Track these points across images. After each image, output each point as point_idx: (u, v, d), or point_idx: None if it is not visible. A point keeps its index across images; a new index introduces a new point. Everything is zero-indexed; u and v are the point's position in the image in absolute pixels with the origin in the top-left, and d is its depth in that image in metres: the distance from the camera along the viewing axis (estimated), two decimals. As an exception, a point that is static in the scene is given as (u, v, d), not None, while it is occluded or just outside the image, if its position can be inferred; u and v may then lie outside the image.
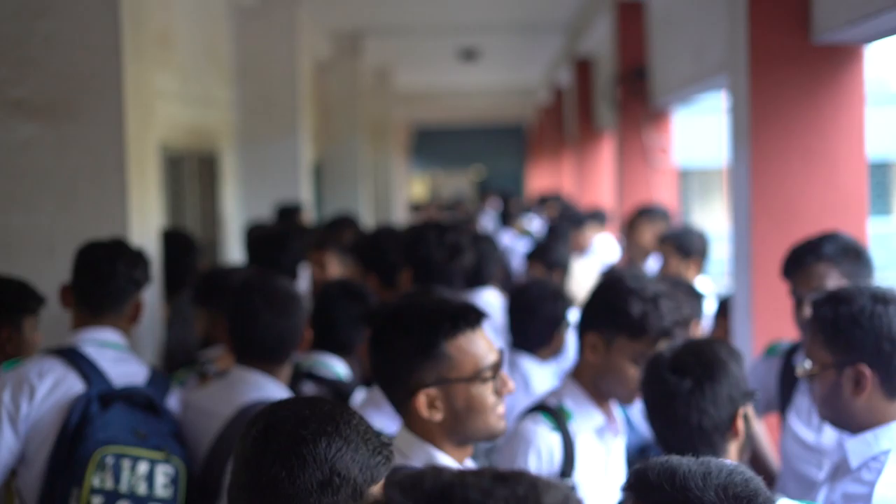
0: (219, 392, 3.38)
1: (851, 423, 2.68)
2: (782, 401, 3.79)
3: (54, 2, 4.71)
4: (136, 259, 3.47)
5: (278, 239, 5.35)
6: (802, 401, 3.68)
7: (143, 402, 3.17)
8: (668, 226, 6.93)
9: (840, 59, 4.68)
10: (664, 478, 1.72)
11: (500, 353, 2.48)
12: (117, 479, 3.03)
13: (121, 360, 3.30)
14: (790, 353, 3.79)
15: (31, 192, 4.76)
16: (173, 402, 3.34)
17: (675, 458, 1.77)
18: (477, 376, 2.40)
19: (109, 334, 3.33)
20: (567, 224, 9.07)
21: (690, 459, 1.77)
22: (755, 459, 4.02)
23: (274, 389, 3.32)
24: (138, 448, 3.07)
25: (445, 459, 2.39)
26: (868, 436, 2.65)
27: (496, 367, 2.44)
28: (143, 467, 3.05)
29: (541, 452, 3.00)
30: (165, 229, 5.42)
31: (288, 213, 8.12)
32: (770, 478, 3.87)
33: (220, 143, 8.56)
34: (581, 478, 3.03)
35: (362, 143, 13.24)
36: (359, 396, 3.69)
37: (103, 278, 3.37)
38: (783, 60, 4.66)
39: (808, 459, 3.63)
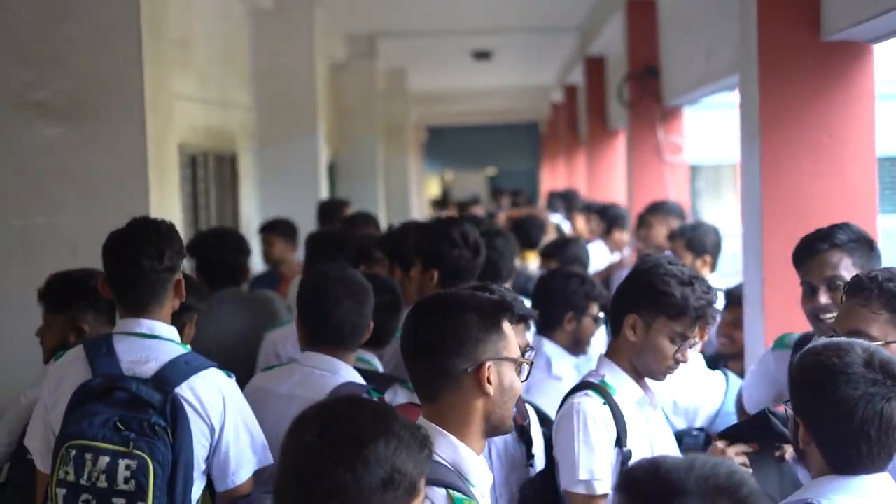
0: (299, 377, 3.53)
1: None
2: (793, 392, 3.83)
3: (76, 6, 4.81)
4: (161, 249, 3.29)
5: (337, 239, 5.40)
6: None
7: (131, 393, 3.12)
8: (681, 222, 6.97)
9: (849, 57, 4.74)
10: (649, 472, 1.81)
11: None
12: (80, 473, 3.02)
13: (145, 348, 3.22)
14: (799, 345, 3.83)
15: (54, 193, 4.86)
16: (200, 386, 3.19)
17: (662, 456, 1.86)
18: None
19: (144, 324, 3.25)
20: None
21: (679, 457, 1.87)
22: None
23: (352, 375, 3.54)
24: (103, 441, 3.04)
25: (466, 452, 2.49)
26: None
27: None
28: (104, 461, 3.02)
29: (597, 423, 3.16)
30: (219, 227, 5.49)
31: (330, 211, 8.27)
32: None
33: (239, 144, 8.66)
34: (632, 446, 3.19)
35: (377, 143, 13.33)
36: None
37: (130, 280, 3.26)
38: (793, 58, 4.72)
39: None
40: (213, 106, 7.92)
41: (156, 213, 4.82)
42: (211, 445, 3.19)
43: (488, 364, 2.49)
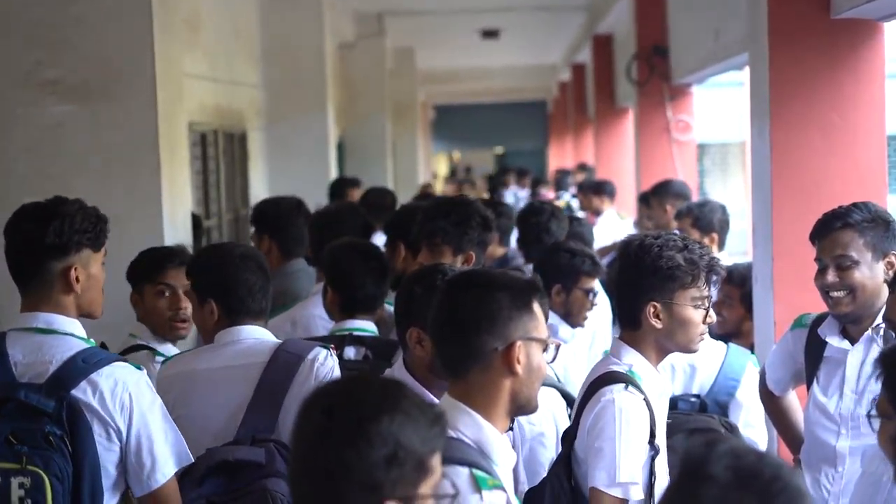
0: (231, 351, 3.39)
1: None
2: (809, 371, 3.86)
3: (88, -16, 4.83)
4: (49, 216, 2.94)
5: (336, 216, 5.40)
6: (826, 370, 3.76)
7: (24, 402, 2.82)
8: (684, 202, 6.98)
9: (859, 35, 4.72)
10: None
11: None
12: None
13: (42, 346, 2.92)
14: (816, 324, 3.85)
15: (66, 171, 4.88)
16: (104, 383, 2.90)
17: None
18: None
19: (39, 317, 2.95)
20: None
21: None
22: (787, 428, 4.09)
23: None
24: None
25: (490, 431, 2.48)
26: None
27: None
28: None
29: (637, 422, 3.06)
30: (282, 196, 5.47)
31: (340, 188, 8.36)
32: (799, 445, 3.95)
33: (248, 122, 8.68)
34: (659, 441, 3.13)
35: (386, 122, 13.34)
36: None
37: (16, 246, 2.97)
38: (803, 35, 4.71)
39: (827, 426, 3.71)
40: (222, 84, 7.93)
41: (167, 190, 4.85)
42: (121, 449, 2.91)
43: (518, 343, 2.47)
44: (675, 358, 4.14)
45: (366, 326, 3.99)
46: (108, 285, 4.04)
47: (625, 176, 11.83)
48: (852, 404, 3.67)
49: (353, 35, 13.02)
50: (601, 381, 3.14)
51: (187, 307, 3.84)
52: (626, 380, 3.10)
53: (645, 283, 3.13)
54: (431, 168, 25.30)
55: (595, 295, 4.86)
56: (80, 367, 2.86)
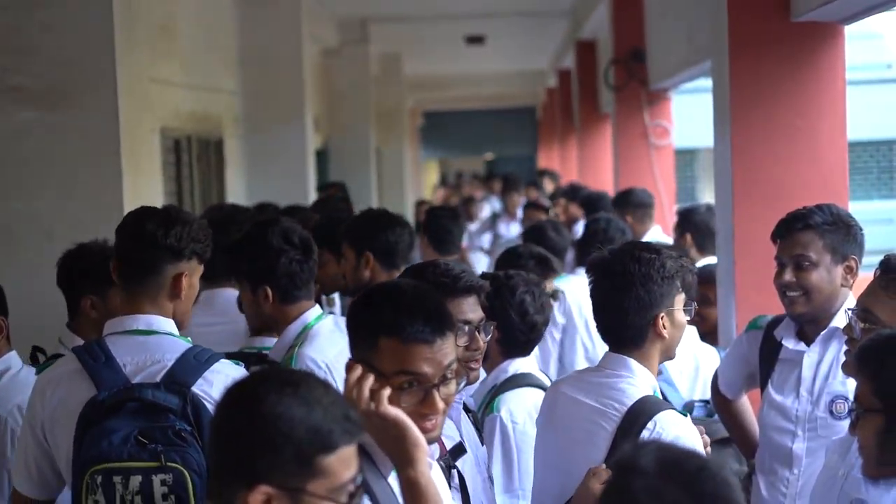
0: None
1: None
2: (763, 373, 3.87)
3: (51, -8, 4.84)
4: (172, 221, 3.04)
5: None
6: (781, 372, 3.77)
7: (145, 401, 2.86)
8: (644, 210, 7.09)
9: (820, 37, 4.75)
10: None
11: None
12: (111, 498, 2.77)
13: (148, 347, 2.97)
14: (771, 326, 3.86)
15: (30, 179, 4.88)
16: (217, 380, 2.95)
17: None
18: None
19: (140, 319, 3.01)
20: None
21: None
22: (741, 432, 4.10)
23: None
24: (129, 461, 2.79)
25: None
26: None
27: None
28: (135, 481, 2.77)
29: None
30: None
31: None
32: (753, 450, 3.95)
33: (225, 129, 8.68)
34: None
35: (370, 129, 13.33)
36: None
37: (134, 244, 3.03)
38: (763, 39, 4.74)
39: (783, 428, 3.72)
40: (197, 91, 7.93)
41: (129, 198, 4.84)
42: None
43: None
44: (680, 361, 4.19)
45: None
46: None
47: (608, 183, 11.83)
48: (809, 406, 3.69)
49: (336, 42, 13.02)
50: (643, 409, 2.97)
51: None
52: (663, 405, 3.00)
53: (656, 296, 3.03)
54: (420, 175, 25.30)
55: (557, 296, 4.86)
56: (194, 363, 2.93)
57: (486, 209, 16.50)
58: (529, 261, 4.76)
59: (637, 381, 3.01)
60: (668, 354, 3.11)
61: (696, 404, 4.21)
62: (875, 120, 20.86)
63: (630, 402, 2.94)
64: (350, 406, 1.94)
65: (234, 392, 1.92)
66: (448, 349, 2.35)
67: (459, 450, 2.69)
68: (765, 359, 3.86)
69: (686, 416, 3.04)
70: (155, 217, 3.05)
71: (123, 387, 2.86)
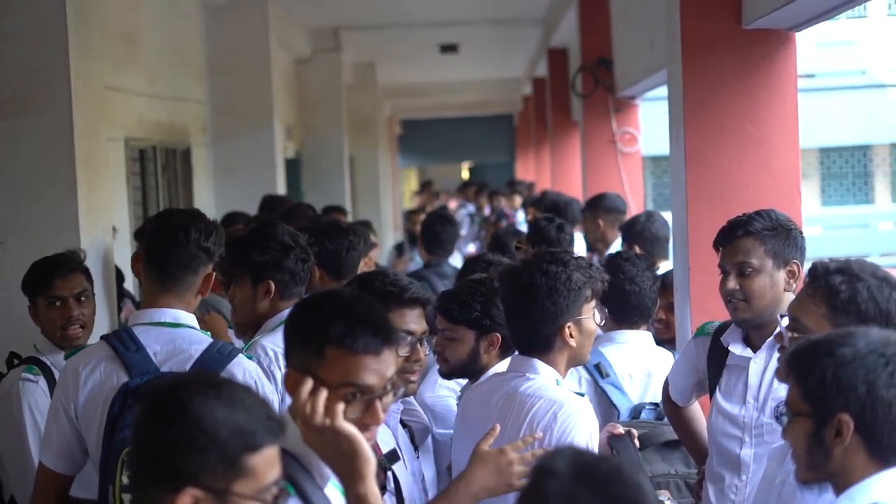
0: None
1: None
2: (711, 379, 3.88)
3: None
4: (211, 226, 3.36)
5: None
6: (729, 378, 3.78)
7: None
8: (617, 215, 7.07)
9: (771, 45, 4.76)
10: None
11: None
12: None
13: (175, 338, 3.21)
14: (719, 333, 3.88)
15: (-14, 185, 4.85)
16: (238, 372, 3.19)
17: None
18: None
19: (168, 312, 3.26)
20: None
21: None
22: (692, 439, 4.11)
23: None
24: None
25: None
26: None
27: None
28: None
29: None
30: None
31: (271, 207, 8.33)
32: (704, 456, 3.96)
33: (193, 138, 8.67)
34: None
35: (343, 137, 13.33)
36: None
37: (175, 247, 3.28)
38: (715, 46, 4.75)
39: (731, 434, 3.73)
40: (162, 100, 7.93)
41: (85, 207, 4.82)
42: None
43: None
44: (632, 365, 4.22)
45: None
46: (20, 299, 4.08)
47: (578, 190, 11.87)
48: (755, 412, 3.70)
49: (308, 50, 13.02)
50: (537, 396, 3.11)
51: (80, 314, 4.02)
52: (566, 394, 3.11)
53: (562, 307, 3.14)
54: (398, 184, 25.30)
55: None
56: (218, 356, 3.16)
57: (463, 216, 16.53)
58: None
59: (541, 378, 3.11)
60: (578, 361, 3.22)
61: (646, 407, 4.22)
62: (850, 126, 21.08)
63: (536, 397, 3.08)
64: (271, 409, 1.96)
65: (158, 397, 1.93)
66: (391, 360, 2.36)
67: (394, 455, 2.70)
68: (713, 365, 3.87)
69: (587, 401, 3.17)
70: (195, 222, 3.33)
71: (154, 374, 3.08)
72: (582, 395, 3.21)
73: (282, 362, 3.37)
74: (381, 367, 2.32)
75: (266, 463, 1.90)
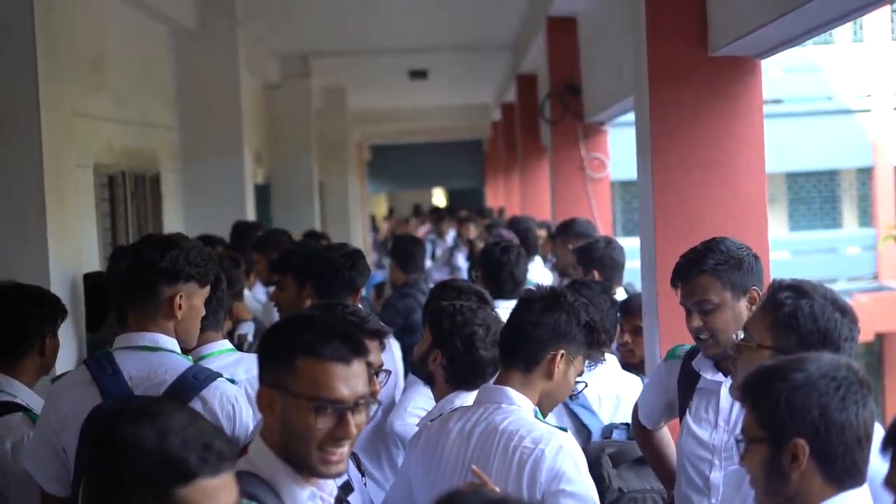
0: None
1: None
2: (682, 402, 3.90)
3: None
4: (170, 245, 3.31)
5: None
6: (699, 401, 3.80)
7: None
8: (586, 240, 7.07)
9: (737, 71, 4.83)
10: None
11: None
12: None
13: (151, 363, 3.21)
14: (689, 357, 3.90)
15: (-46, 210, 4.82)
16: (213, 397, 3.20)
17: None
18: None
19: (146, 336, 3.27)
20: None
21: None
22: (661, 464, 4.12)
23: None
24: None
25: (286, 472, 2.41)
26: None
27: None
28: None
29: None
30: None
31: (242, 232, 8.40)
32: (672, 480, 3.98)
33: (162, 164, 8.64)
34: None
35: (312, 162, 13.34)
36: None
37: (132, 268, 3.31)
38: (682, 73, 4.81)
39: (701, 457, 3.74)
40: (131, 126, 7.90)
41: (54, 233, 4.80)
42: None
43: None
44: (601, 388, 4.24)
45: None
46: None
47: (548, 215, 11.92)
48: (726, 435, 3.71)
49: (278, 76, 13.04)
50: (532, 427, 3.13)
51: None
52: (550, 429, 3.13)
53: (569, 333, 3.20)
54: (368, 208, 25.31)
55: None
56: (193, 382, 3.17)
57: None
58: (471, 296, 4.75)
59: (519, 410, 3.14)
60: (551, 400, 3.24)
61: (618, 427, 4.23)
62: (817, 151, 21.30)
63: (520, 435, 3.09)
64: (218, 436, 1.86)
65: (97, 425, 1.93)
66: (362, 375, 2.38)
67: (347, 487, 2.70)
68: (683, 388, 3.89)
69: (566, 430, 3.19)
70: (154, 243, 3.34)
71: (125, 398, 3.08)
72: (564, 429, 3.20)
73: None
74: (350, 378, 2.34)
75: (204, 495, 1.79)
